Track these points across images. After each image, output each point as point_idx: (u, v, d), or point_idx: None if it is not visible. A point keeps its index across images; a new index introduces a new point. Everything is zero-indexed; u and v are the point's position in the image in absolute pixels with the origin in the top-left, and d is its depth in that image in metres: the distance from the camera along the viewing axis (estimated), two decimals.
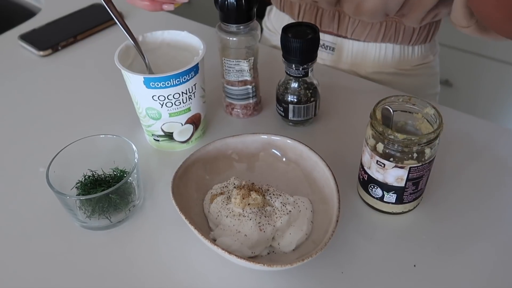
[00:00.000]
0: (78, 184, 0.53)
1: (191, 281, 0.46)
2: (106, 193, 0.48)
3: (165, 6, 0.51)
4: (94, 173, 0.53)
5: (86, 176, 0.53)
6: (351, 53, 0.75)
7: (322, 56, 0.77)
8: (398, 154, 0.46)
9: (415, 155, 0.46)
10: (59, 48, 0.80)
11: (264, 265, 0.41)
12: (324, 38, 0.76)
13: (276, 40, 0.84)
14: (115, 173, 0.53)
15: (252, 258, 0.45)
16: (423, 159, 0.46)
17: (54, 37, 0.81)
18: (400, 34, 0.72)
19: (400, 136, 0.44)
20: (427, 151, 0.46)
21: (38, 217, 0.53)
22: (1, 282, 0.47)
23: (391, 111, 0.47)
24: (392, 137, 0.45)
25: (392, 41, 0.73)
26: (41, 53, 0.79)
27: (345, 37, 0.74)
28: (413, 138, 0.44)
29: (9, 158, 0.61)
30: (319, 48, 0.74)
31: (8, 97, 0.71)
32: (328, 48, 0.77)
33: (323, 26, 0.74)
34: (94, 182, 0.52)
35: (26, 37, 0.82)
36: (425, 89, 0.80)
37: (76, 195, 0.52)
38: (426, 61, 0.78)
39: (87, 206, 0.50)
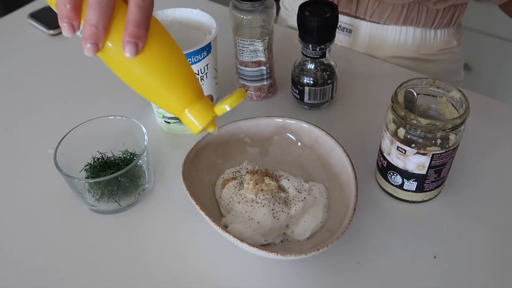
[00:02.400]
0: (87, 167, 0.51)
1: (202, 268, 0.45)
2: (115, 176, 0.46)
3: None
4: (103, 156, 0.52)
5: (95, 159, 0.52)
6: (369, 36, 0.72)
7: (339, 38, 0.74)
8: (420, 140, 0.43)
9: (438, 141, 0.43)
10: None
11: (277, 254, 0.39)
12: (341, 19, 0.72)
13: (293, 20, 0.81)
14: (124, 155, 0.52)
15: (265, 246, 0.44)
16: (447, 146, 0.43)
17: None
18: (423, 16, 0.68)
19: (424, 121, 0.42)
20: (452, 137, 0.43)
21: (47, 200, 0.52)
22: (9, 264, 0.46)
23: (415, 94, 0.45)
24: (415, 122, 0.42)
25: (413, 24, 0.70)
26: (51, 31, 0.77)
27: (363, 19, 0.71)
28: (437, 123, 0.42)
29: (18, 138, 0.60)
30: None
31: (17, 76, 0.70)
32: (345, 30, 0.73)
33: (340, 7, 0.71)
34: (103, 165, 0.51)
35: (36, 16, 0.80)
36: (447, 76, 0.77)
37: (85, 177, 0.51)
38: (449, 46, 0.74)
39: (96, 189, 0.49)
